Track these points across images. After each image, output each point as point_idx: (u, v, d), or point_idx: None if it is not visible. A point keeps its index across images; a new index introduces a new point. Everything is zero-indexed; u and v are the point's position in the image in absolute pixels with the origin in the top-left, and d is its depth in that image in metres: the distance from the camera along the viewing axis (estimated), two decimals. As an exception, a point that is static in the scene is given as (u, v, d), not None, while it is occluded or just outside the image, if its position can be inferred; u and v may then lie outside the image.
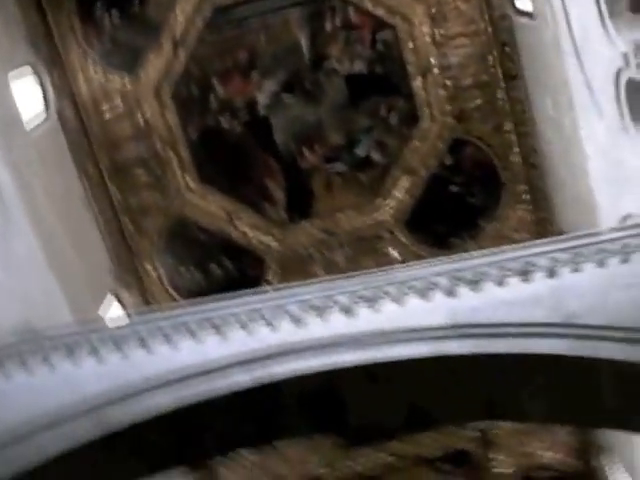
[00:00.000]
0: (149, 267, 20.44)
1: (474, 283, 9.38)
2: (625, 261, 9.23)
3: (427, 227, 20.48)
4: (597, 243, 9.49)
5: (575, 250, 9.39)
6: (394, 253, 20.53)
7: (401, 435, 21.71)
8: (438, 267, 9.75)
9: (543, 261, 9.35)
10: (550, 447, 22.37)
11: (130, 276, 20.22)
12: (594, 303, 8.73)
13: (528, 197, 19.97)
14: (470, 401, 9.24)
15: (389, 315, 9.37)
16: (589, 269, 9.24)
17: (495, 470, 22.62)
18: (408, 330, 9.07)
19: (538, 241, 9.98)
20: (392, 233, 20.48)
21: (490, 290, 9.31)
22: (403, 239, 20.48)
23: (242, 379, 9.07)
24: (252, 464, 22.12)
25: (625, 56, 12.15)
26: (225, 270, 20.73)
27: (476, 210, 20.40)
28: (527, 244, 10.00)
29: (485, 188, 20.16)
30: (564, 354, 8.37)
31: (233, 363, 9.12)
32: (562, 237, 10.28)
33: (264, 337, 9.44)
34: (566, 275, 9.24)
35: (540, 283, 9.22)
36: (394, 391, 9.20)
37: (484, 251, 10.10)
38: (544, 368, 8.61)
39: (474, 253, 10.25)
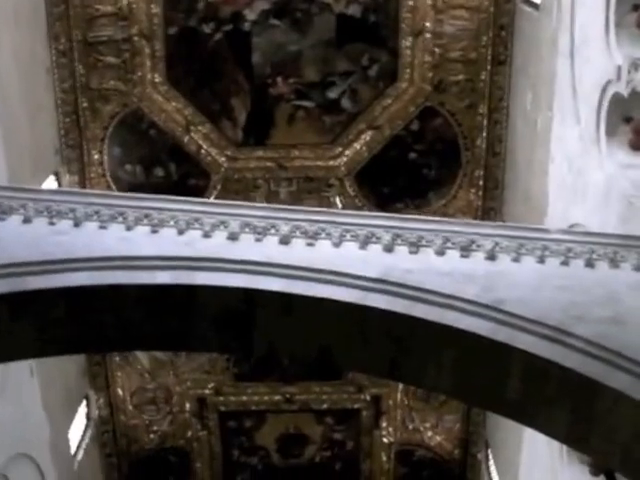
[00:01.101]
0: (95, 154, 20.11)
1: (414, 246, 9.37)
2: (565, 264, 9.31)
3: (376, 185, 20.46)
4: (543, 240, 9.53)
5: (520, 241, 9.42)
6: (337, 201, 20.49)
7: (297, 379, 21.88)
8: (384, 221, 9.71)
9: (487, 243, 9.36)
10: (434, 429, 22.69)
11: (75, 158, 19.91)
12: (525, 295, 8.79)
13: (482, 183, 20.03)
14: (377, 356, 9.26)
15: (323, 254, 9.31)
16: (529, 262, 9.30)
17: (377, 437, 22.91)
18: (338, 273, 9.03)
19: (487, 223, 9.98)
20: (341, 182, 20.43)
21: (428, 256, 9.31)
22: (350, 190, 20.44)
23: (162, 277, 8.97)
24: (145, 371, 22.12)
25: (619, 69, 12.09)
26: (168, 175, 20.54)
27: (428, 182, 20.43)
28: (476, 223, 9.99)
29: (443, 163, 20.19)
30: (483, 335, 8.42)
31: (158, 258, 9.02)
32: (511, 225, 10.30)
33: (196, 244, 9.32)
34: (505, 262, 9.28)
35: (478, 263, 9.24)
36: (306, 329, 9.17)
37: (433, 218, 10.07)
38: (459, 343, 8.65)
39: (422, 217, 10.23)
